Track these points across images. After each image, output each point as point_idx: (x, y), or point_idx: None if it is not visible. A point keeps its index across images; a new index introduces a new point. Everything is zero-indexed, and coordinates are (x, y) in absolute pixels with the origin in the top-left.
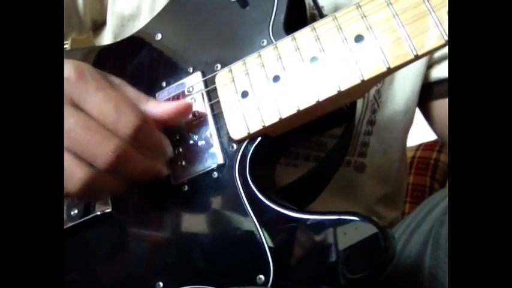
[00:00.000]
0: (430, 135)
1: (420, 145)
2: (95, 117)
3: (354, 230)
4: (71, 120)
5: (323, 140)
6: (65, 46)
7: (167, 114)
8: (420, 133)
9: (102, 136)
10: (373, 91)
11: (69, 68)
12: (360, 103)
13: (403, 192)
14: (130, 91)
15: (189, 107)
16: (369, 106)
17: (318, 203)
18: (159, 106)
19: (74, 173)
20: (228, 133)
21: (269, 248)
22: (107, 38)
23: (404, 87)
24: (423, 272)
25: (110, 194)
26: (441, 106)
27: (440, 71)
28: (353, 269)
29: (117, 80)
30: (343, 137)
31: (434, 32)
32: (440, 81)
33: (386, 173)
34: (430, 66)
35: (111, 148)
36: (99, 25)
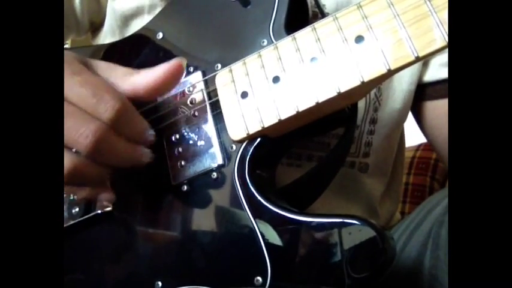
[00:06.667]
0: None
1: (420, 145)
2: (73, 102)
3: (357, 232)
4: None
5: (326, 140)
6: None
7: (159, 79)
8: (420, 133)
9: (81, 120)
10: (374, 89)
11: None
12: (362, 102)
13: (401, 186)
14: (119, 69)
15: (179, 66)
16: (371, 104)
17: (321, 204)
18: (148, 74)
19: None
20: (227, 133)
21: (267, 249)
22: (105, 37)
23: (401, 85)
24: (423, 273)
25: (96, 181)
26: (433, 107)
27: (434, 73)
28: (357, 269)
29: (103, 63)
30: (344, 138)
31: (436, 33)
32: (433, 83)
33: (385, 170)
34: (424, 65)
35: (92, 131)
36: (97, 26)
